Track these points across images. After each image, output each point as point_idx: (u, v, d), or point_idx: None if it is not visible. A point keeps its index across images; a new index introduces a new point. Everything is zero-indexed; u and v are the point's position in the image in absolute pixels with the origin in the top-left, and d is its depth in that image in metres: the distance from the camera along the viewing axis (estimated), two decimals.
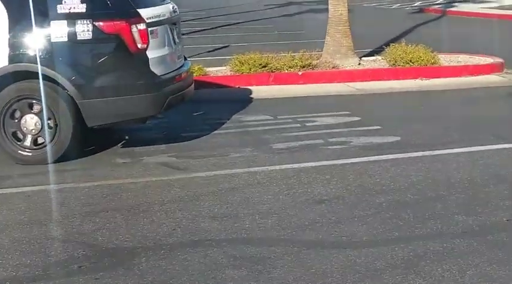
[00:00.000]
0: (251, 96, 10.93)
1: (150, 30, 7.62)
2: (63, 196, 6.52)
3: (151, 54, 7.62)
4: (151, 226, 5.68)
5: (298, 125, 9.05)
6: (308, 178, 6.79)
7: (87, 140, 7.88)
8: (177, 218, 5.82)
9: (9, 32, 7.31)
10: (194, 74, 11.51)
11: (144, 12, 7.62)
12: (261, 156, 7.61)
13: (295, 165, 7.22)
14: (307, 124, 9.09)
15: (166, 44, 8.02)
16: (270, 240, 5.35)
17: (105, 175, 7.14)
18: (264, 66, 11.92)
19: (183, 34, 19.60)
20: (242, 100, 10.61)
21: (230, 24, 22.64)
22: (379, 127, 8.71)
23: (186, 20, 24.78)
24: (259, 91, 11.19)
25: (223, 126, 9.05)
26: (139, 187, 6.70)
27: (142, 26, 7.51)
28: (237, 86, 11.50)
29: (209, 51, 15.77)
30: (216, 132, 8.74)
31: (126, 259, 5.11)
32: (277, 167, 7.18)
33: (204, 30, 21.19)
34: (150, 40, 7.60)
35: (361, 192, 6.38)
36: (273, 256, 5.03)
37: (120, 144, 8.25)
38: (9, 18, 7.33)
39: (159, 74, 7.71)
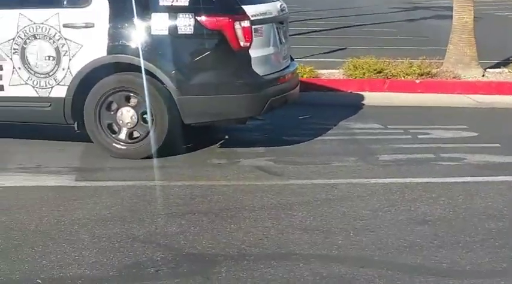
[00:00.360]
0: (363, 102, 10.52)
1: (255, 28, 7.38)
2: (152, 193, 6.33)
3: (254, 53, 7.38)
4: (237, 233, 5.40)
5: (409, 137, 8.59)
6: (413, 195, 6.35)
7: (186, 137, 7.66)
8: (266, 227, 5.52)
9: (109, 22, 7.22)
10: (305, 76, 11.30)
11: (249, 9, 7.37)
12: (364, 167, 7.22)
13: (401, 180, 6.79)
14: (420, 136, 8.61)
15: (271, 43, 7.75)
16: (363, 260, 4.97)
17: (198, 175, 6.93)
18: (379, 72, 11.48)
19: (301, 33, 19.56)
20: (352, 106, 10.21)
21: (351, 26, 22.18)
22: (497, 145, 8.13)
23: (306, 19, 24.54)
24: (371, 97, 10.77)
25: (329, 132, 8.68)
26: (231, 191, 6.43)
27: (246, 23, 7.26)
28: (349, 91, 11.11)
29: (325, 53, 15.38)
30: (320, 138, 8.39)
31: (206, 266, 4.84)
32: (381, 181, 6.77)
33: (323, 30, 20.80)
34: (254, 38, 7.36)
35: (470, 215, 5.89)
36: (364, 278, 4.65)
37: (219, 143, 8.04)
38: (110, 7, 7.23)
39: (261, 74, 7.45)
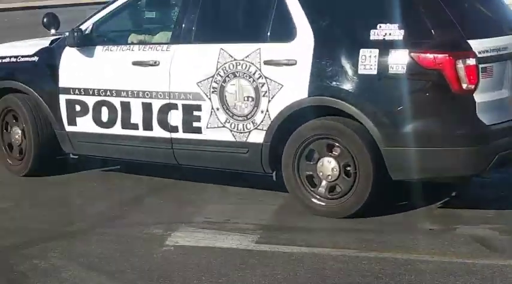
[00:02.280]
0: None
1: (482, 67, 6.36)
2: (332, 268, 5.47)
3: (479, 97, 6.34)
4: None
5: None
6: None
7: (398, 193, 6.85)
8: None
9: (313, 59, 6.57)
10: None
11: (477, 44, 6.38)
12: None
13: None
14: None
15: (504, 85, 6.65)
16: None
17: (399, 244, 5.97)
18: None
19: None
20: None
21: None
22: None
23: None
24: None
25: None
26: (430, 270, 5.38)
27: (471, 62, 6.27)
28: None
29: None
30: None
31: None
32: None
33: None
34: (481, 79, 6.33)
35: None
36: None
37: (440, 202, 7.01)
38: (315, 42, 6.60)
39: (488, 123, 6.39)
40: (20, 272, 5.40)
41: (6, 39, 10.78)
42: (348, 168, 6.53)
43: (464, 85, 6.25)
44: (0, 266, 5.51)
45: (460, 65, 6.22)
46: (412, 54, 6.27)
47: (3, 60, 8.17)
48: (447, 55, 6.23)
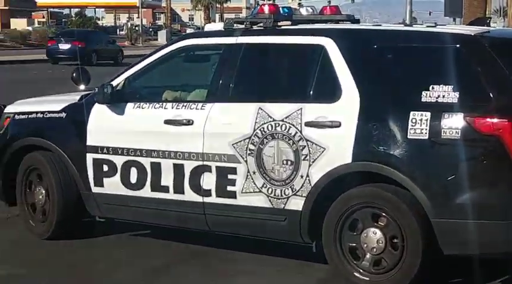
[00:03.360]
0: None
1: None
2: None
3: None
4: None
5: None
6: None
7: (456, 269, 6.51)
8: None
9: (358, 121, 6.31)
10: None
11: None
12: None
13: None
14: None
15: None
16: None
17: None
18: None
19: None
20: None
21: None
22: None
23: None
24: None
25: None
26: None
27: None
28: None
29: None
30: None
31: None
32: None
33: None
34: None
35: None
36: None
37: (499, 280, 6.58)
38: (361, 103, 6.36)
39: None
40: None
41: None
42: (395, 240, 6.23)
43: None
44: None
45: None
46: (467, 118, 6.00)
47: (30, 116, 8.04)
48: (507, 120, 5.93)
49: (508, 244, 6.03)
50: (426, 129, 6.06)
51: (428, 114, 6.07)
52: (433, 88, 6.13)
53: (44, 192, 7.74)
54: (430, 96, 6.13)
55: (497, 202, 5.98)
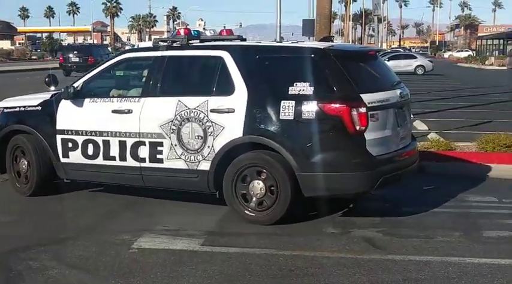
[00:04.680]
0: (488, 174, 8.90)
1: (371, 114, 6.29)
2: (257, 263, 5.32)
3: (369, 135, 6.28)
4: None
5: None
6: (503, 280, 4.92)
7: (313, 205, 6.68)
8: None
9: (246, 108, 6.46)
10: (440, 148, 9.91)
11: (367, 97, 6.32)
12: (465, 244, 5.81)
13: (496, 261, 5.33)
14: None
15: (387, 126, 6.59)
16: None
17: (308, 244, 5.85)
18: (508, 146, 9.79)
19: (456, 108, 17.90)
20: (477, 177, 8.63)
21: (503, 101, 20.11)
22: None
23: (464, 96, 22.63)
24: (498, 170, 9.08)
25: (445, 204, 7.27)
26: (330, 264, 5.29)
27: (362, 110, 6.22)
28: (479, 163, 9.52)
29: (471, 125, 13.78)
30: (435, 209, 7.02)
31: None
32: (476, 260, 5.34)
33: (478, 105, 18.97)
34: (370, 123, 6.27)
35: None
36: None
37: (341, 212, 6.91)
38: (248, 96, 6.50)
39: (374, 154, 6.31)
40: (17, 272, 5.15)
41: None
42: (272, 188, 6.39)
43: (357, 127, 6.19)
44: (1, 267, 5.23)
45: (354, 112, 6.18)
46: (319, 104, 6.20)
47: (14, 110, 7.93)
48: (345, 105, 6.18)
49: (348, 188, 6.31)
50: (292, 112, 6.22)
51: (293, 102, 6.23)
52: (296, 84, 6.28)
53: (26, 163, 7.67)
54: (294, 90, 6.27)
55: (339, 160, 6.21)
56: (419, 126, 13.51)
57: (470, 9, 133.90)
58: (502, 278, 4.97)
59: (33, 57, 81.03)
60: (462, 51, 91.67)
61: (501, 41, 74.04)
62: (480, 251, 5.63)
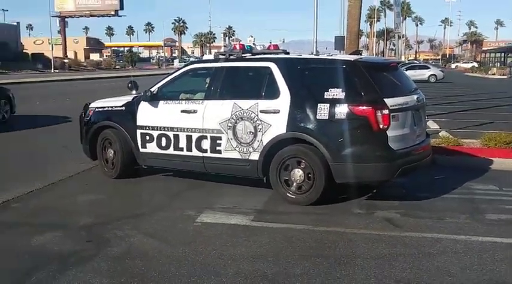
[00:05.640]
0: (490, 166, 8.68)
1: (392, 115, 6.18)
2: (297, 236, 5.31)
3: (390, 133, 6.17)
4: (343, 280, 4.26)
5: None
6: (502, 255, 4.79)
7: (344, 189, 6.59)
8: (368, 276, 4.33)
9: (289, 109, 6.43)
10: (450, 144, 9.69)
11: (389, 101, 6.21)
12: (471, 225, 5.68)
13: (496, 239, 5.19)
14: None
15: (406, 125, 6.46)
16: None
17: (339, 222, 5.80)
18: (508, 143, 9.53)
19: (463, 110, 17.45)
20: (481, 169, 8.43)
21: (503, 105, 19.52)
22: None
23: (470, 100, 22.05)
24: (499, 163, 8.84)
25: (454, 191, 7.11)
26: (357, 239, 5.25)
27: (385, 112, 6.11)
28: (482, 157, 9.28)
29: (475, 125, 13.41)
30: (445, 195, 6.88)
31: None
32: (480, 238, 5.22)
33: (481, 108, 18.47)
34: (391, 122, 6.17)
35: None
36: None
37: (366, 196, 6.82)
38: (290, 99, 6.46)
39: (395, 149, 6.21)
40: (106, 238, 5.26)
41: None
42: (310, 175, 6.34)
43: (381, 126, 6.10)
44: (94, 236, 5.35)
45: (378, 114, 6.08)
46: (349, 107, 6.11)
47: (104, 109, 8.06)
48: (371, 108, 6.08)
49: (372, 176, 6.21)
50: (327, 113, 6.15)
51: (328, 105, 6.15)
52: (330, 90, 6.19)
53: (112, 152, 7.77)
54: (329, 95, 6.18)
55: (366, 153, 6.11)
56: (432, 125, 13.23)
57: (476, 27, 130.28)
58: (502, 254, 4.84)
59: (117, 66, 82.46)
60: (468, 62, 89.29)
61: (502, 54, 71.90)
62: (483, 231, 5.49)
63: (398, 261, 4.65)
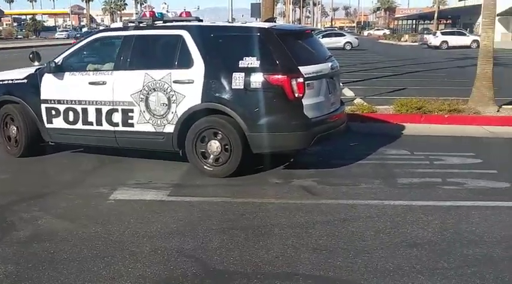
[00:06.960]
0: (403, 132, 9.11)
1: (307, 83, 6.26)
2: (215, 209, 5.31)
3: (306, 101, 6.26)
4: (261, 250, 4.32)
5: (427, 162, 7.11)
6: (413, 217, 5.05)
7: (260, 160, 6.65)
8: (286, 245, 4.42)
9: (204, 79, 6.34)
10: (364, 111, 10.02)
11: (304, 69, 6.28)
12: (384, 190, 5.93)
13: (407, 202, 5.47)
14: (435, 162, 7.12)
15: (321, 93, 6.58)
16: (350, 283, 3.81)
17: (257, 193, 5.86)
18: (419, 108, 10.01)
19: (378, 77, 18.09)
20: (394, 135, 8.83)
21: (414, 72, 20.42)
22: (495, 171, 6.59)
23: (384, 67, 22.85)
24: (411, 128, 9.33)
25: (368, 157, 7.39)
26: (275, 208, 5.34)
27: (300, 80, 6.18)
28: (395, 123, 9.71)
29: (389, 92, 13.96)
30: (359, 162, 7.13)
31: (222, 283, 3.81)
32: (392, 202, 5.47)
33: (394, 75, 19.23)
34: (306, 91, 6.25)
35: (454, 240, 4.53)
36: None
37: (284, 165, 6.94)
38: (205, 69, 6.37)
39: (310, 117, 6.32)
40: (10, 222, 5.02)
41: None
42: (227, 147, 6.34)
43: (296, 94, 6.15)
44: None
45: (293, 82, 6.13)
46: (264, 76, 6.11)
47: (3, 82, 7.63)
48: (286, 76, 6.11)
49: (289, 145, 6.31)
50: (242, 83, 6.13)
51: (243, 74, 6.12)
52: (245, 59, 6.15)
53: (15, 128, 7.44)
54: (243, 64, 6.14)
55: (281, 122, 6.16)
56: (347, 92, 13.63)
57: None
58: (413, 216, 5.09)
59: (19, 36, 78.00)
60: (380, 29, 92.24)
61: (414, 21, 74.78)
62: (396, 195, 5.74)
63: (315, 229, 4.77)
